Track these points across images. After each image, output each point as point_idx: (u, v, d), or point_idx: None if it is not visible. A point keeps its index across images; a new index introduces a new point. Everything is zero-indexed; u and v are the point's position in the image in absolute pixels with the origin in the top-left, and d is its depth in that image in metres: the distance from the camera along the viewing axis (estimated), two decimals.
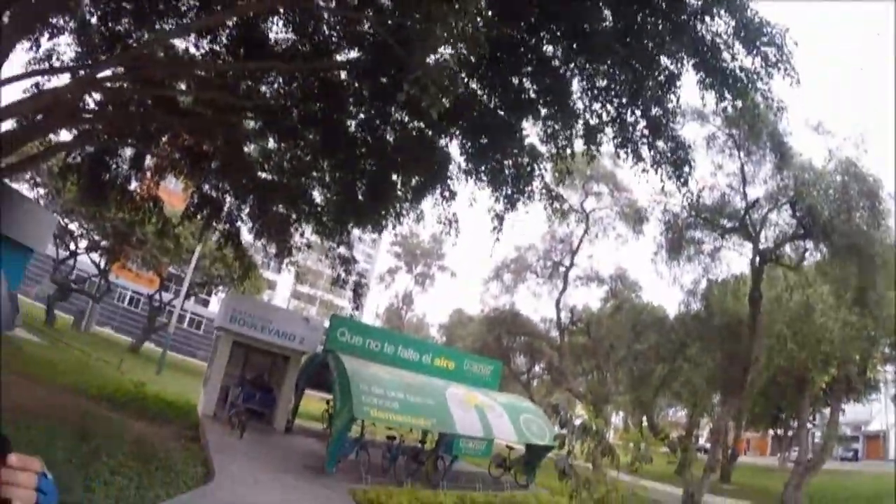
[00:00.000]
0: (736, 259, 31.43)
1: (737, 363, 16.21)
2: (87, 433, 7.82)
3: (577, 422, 8.63)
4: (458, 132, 10.24)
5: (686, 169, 9.21)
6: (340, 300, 48.24)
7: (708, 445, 25.75)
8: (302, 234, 14.16)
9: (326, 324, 14.96)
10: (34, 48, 10.80)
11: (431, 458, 11.95)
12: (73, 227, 28.13)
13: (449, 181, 11.31)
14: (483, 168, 10.25)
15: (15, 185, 20.83)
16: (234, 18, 9.90)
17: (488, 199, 10.36)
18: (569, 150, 9.53)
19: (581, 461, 9.19)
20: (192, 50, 11.09)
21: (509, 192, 10.16)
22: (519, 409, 13.50)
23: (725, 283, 19.00)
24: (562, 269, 28.16)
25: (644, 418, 28.92)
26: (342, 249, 13.66)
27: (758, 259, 16.04)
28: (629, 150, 8.94)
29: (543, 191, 10.94)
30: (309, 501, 8.38)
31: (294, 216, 13.31)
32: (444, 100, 6.41)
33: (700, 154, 15.55)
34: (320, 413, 17.89)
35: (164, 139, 12.70)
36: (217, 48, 10.66)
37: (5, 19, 8.22)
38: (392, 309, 49.81)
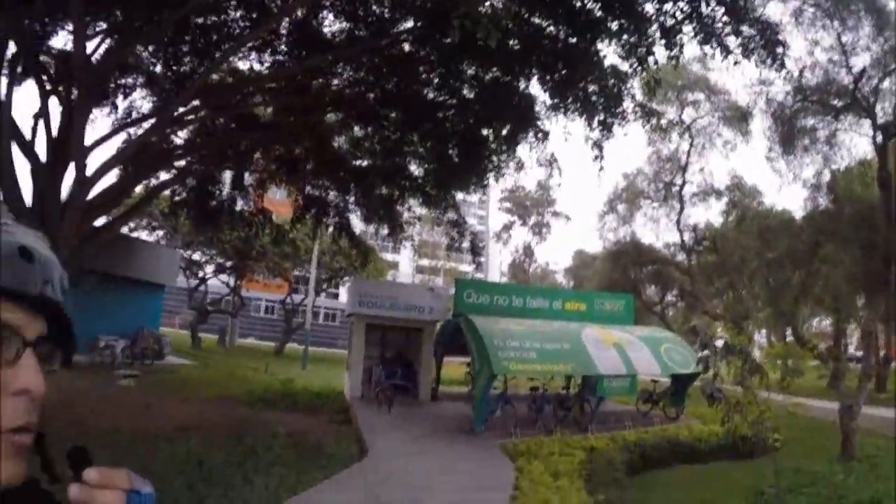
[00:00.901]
0: (856, 141, 27.46)
1: (876, 257, 14.78)
2: (242, 434, 8.48)
3: (719, 343, 8.26)
4: (534, 71, 9.96)
5: (779, 49, 8.33)
6: (463, 265, 49.01)
7: (859, 354, 23.85)
8: (409, 209, 14.46)
9: (452, 291, 15.27)
10: (113, 111, 11.78)
11: (577, 403, 11.87)
12: (196, 256, 30.81)
13: (538, 122, 11.02)
14: (569, 100, 9.91)
15: (135, 234, 23.04)
16: (286, 23, 10.16)
17: (583, 131, 10.08)
18: (651, 60, 8.97)
19: (728, 384, 8.84)
20: (257, 66, 11.54)
21: (601, 117, 9.74)
22: (658, 340, 13.02)
23: (850, 171, 17.37)
24: (675, 188, 26.90)
25: (788, 331, 27.22)
26: (451, 214, 13.77)
27: (879, 135, 14.42)
28: (714, 44, 8.24)
29: (637, 109, 10.43)
30: (462, 462, 8.57)
31: (397, 194, 13.58)
32: (496, 28, 6.18)
33: (791, 34, 14.15)
34: (462, 377, 18.43)
35: (256, 155, 13.34)
36: (279, 57, 10.98)
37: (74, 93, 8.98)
38: (515, 264, 49.92)
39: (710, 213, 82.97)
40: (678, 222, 26.44)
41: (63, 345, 0.76)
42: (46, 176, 8.57)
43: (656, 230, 31.50)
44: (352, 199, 14.24)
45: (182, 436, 8.42)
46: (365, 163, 13.32)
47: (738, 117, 21.41)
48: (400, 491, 6.96)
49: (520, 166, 12.30)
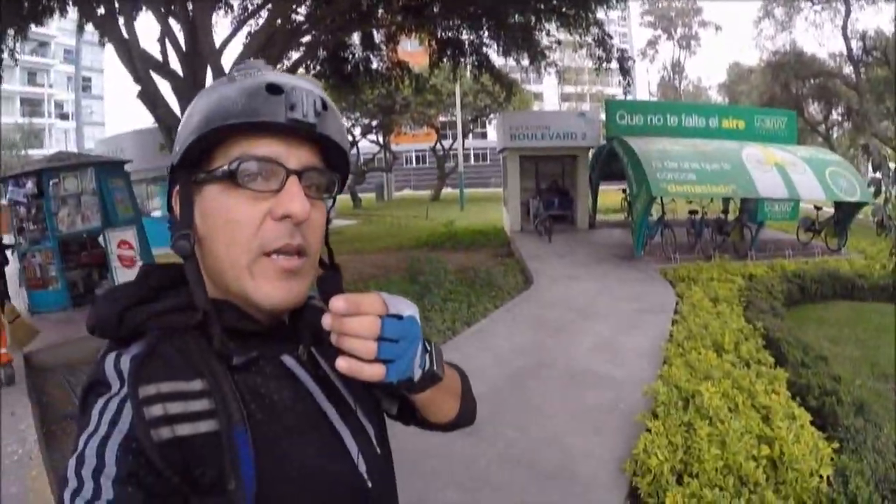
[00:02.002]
0: None
1: None
2: (414, 275, 9.14)
3: (893, 166, 7.11)
4: None
5: None
6: (610, 88, 46.44)
7: None
8: (548, 34, 13.61)
9: (603, 115, 14.61)
10: (228, 11, 12.06)
11: (736, 228, 11.32)
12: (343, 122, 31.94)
13: None
14: None
15: None
16: None
17: None
18: None
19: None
20: None
21: None
22: (823, 162, 11.63)
23: None
24: None
25: None
26: (593, 31, 12.75)
27: None
28: None
29: None
30: (623, 287, 8.78)
31: (533, 19, 12.77)
32: None
33: None
34: (618, 204, 18.16)
35: (380, 11, 13.04)
36: None
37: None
38: (664, 82, 46.38)
39: (881, 19, 67.55)
40: (844, 28, 22.37)
41: (340, 170, 0.79)
42: (188, 88, 9.05)
43: (819, 37, 26.94)
44: (486, 33, 13.63)
45: (362, 283, 9.42)
46: None
47: None
48: (565, 315, 7.39)
49: None
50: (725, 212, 11.91)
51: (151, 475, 0.58)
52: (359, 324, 0.62)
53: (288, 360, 0.75)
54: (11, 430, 4.45)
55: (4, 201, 9.02)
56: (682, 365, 4.70)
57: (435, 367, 0.72)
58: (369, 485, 0.75)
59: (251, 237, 0.69)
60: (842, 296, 8.74)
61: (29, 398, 5.14)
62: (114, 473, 0.57)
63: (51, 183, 8.43)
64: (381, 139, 34.61)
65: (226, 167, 0.68)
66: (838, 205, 11.64)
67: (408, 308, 0.68)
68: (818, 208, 12.07)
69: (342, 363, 0.63)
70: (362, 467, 0.75)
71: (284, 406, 0.71)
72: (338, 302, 0.62)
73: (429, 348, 0.72)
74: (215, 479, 0.61)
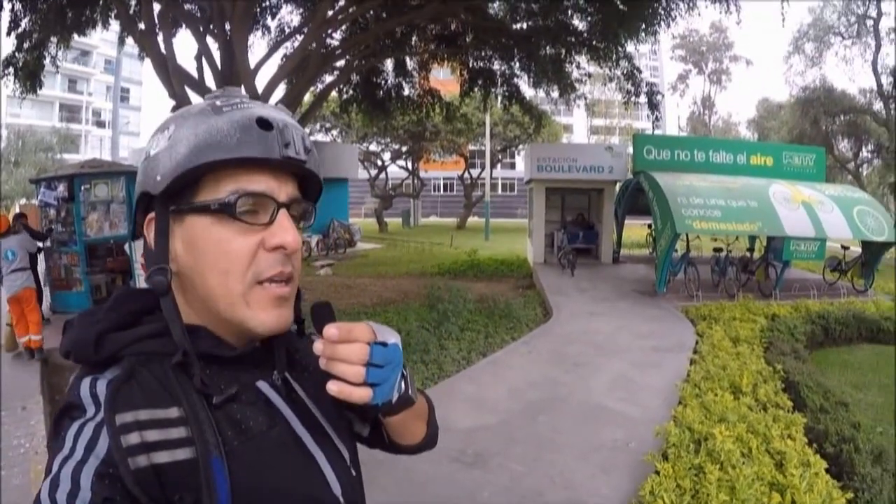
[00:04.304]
0: None
1: None
2: (434, 303, 9.10)
3: None
4: None
5: None
6: (638, 122, 46.41)
7: None
8: (578, 67, 13.70)
9: (630, 149, 14.60)
10: (265, 33, 12.44)
11: (761, 267, 11.13)
12: (372, 147, 32.86)
13: None
14: None
15: (311, 139, 24.92)
16: None
17: None
18: None
19: None
20: None
21: None
22: (851, 200, 11.44)
23: None
24: (869, 22, 22.29)
25: None
26: (623, 64, 12.80)
27: None
28: None
29: None
30: (643, 323, 8.67)
31: (563, 52, 12.89)
32: None
33: None
34: (643, 239, 18.00)
35: (413, 38, 13.29)
36: None
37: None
38: (694, 117, 46.24)
39: None
40: (874, 63, 22.14)
41: (313, 199, 0.82)
42: None
43: (849, 72, 26.79)
44: (517, 64, 13.80)
45: (381, 309, 9.46)
46: (525, 25, 12.68)
47: None
48: (583, 350, 7.31)
49: (691, 4, 10.88)
50: (751, 250, 11.76)
51: (127, 501, 0.60)
52: (350, 350, 0.67)
53: (263, 385, 0.77)
54: (21, 424, 4.54)
55: (35, 202, 9.31)
56: (698, 406, 4.60)
57: (410, 392, 0.76)
58: None
59: (246, 267, 0.71)
60: (867, 338, 8.52)
61: (42, 395, 5.26)
62: (89, 498, 0.58)
63: (82, 188, 8.71)
64: (409, 165, 35.07)
65: (224, 200, 0.70)
66: (866, 244, 11.40)
67: (392, 336, 0.72)
68: (845, 248, 11.81)
69: (333, 386, 0.67)
70: (337, 490, 0.78)
71: (260, 431, 0.73)
72: (331, 329, 0.67)
73: (405, 374, 0.76)
74: None
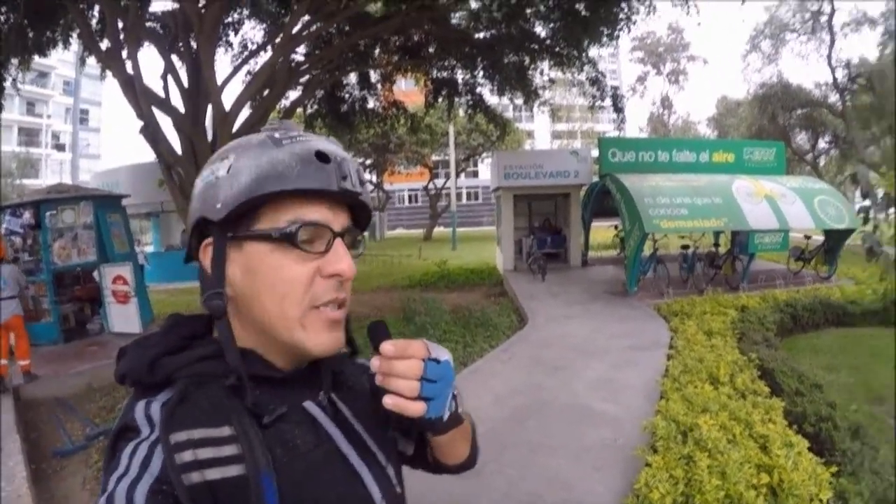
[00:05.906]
0: None
1: None
2: (410, 316, 9.11)
3: (880, 192, 7.27)
4: None
5: None
6: (600, 125, 47.19)
7: None
8: (541, 73, 13.90)
9: (595, 153, 14.84)
10: (228, 49, 12.37)
11: (728, 261, 11.48)
12: None
13: None
14: None
15: None
16: None
17: None
18: None
19: (885, 243, 7.90)
20: None
21: None
22: (812, 191, 11.94)
23: None
24: (823, 18, 23.35)
25: None
26: (586, 69, 13.03)
27: None
28: None
29: None
30: (618, 323, 8.83)
31: (527, 59, 13.07)
32: None
33: None
34: (610, 241, 18.32)
35: (376, 51, 13.34)
36: None
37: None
38: (654, 117, 47.20)
39: (864, 46, 69.95)
40: (829, 57, 23.31)
41: (363, 228, 0.87)
42: (189, 124, 9.14)
43: (805, 68, 28.00)
44: (480, 73, 13.94)
45: (356, 322, 9.38)
46: (488, 34, 12.84)
47: None
48: (561, 353, 7.41)
49: (651, 9, 11.20)
50: (717, 245, 12.08)
51: None
52: (406, 366, 0.71)
53: (309, 405, 0.80)
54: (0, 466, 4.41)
55: (1, 230, 9.07)
56: (679, 399, 4.73)
57: (459, 410, 0.81)
58: None
59: (303, 293, 0.74)
60: (833, 322, 8.85)
61: (18, 433, 5.10)
62: None
63: (48, 214, 8.44)
64: (374, 178, 35.00)
65: (285, 230, 0.73)
66: (828, 233, 11.86)
67: (444, 353, 0.76)
68: (808, 237, 12.26)
69: (389, 400, 0.71)
70: None
71: (307, 450, 0.75)
72: (387, 346, 0.71)
73: (455, 393, 0.80)
74: None
